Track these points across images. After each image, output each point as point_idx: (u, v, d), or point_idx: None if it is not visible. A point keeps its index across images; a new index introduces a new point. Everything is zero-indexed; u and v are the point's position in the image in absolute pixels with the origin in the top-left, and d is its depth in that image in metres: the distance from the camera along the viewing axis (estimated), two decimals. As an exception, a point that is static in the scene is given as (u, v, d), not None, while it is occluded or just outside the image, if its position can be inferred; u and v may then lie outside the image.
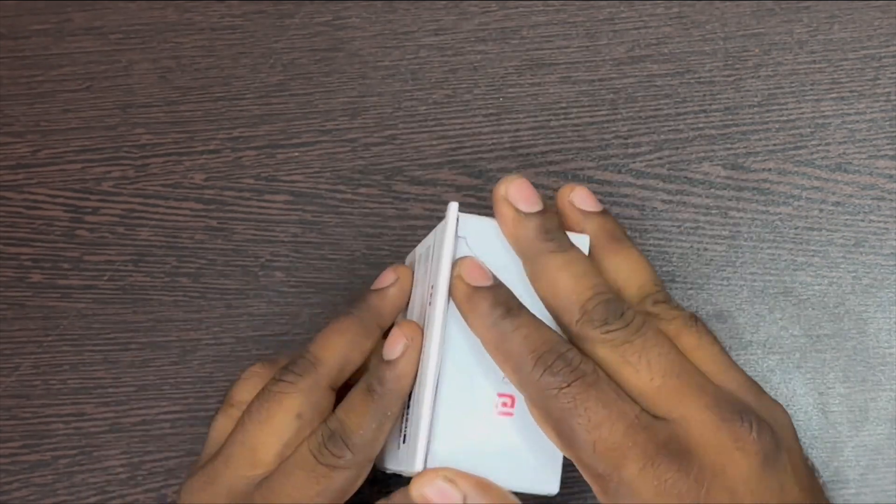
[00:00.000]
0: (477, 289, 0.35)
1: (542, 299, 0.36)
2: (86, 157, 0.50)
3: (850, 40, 0.49)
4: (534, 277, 0.36)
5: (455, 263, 0.36)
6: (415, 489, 0.34)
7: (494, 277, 0.36)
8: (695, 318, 0.37)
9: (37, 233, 0.50)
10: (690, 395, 0.33)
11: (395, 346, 0.37)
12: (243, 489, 0.38)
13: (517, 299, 0.35)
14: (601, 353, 0.34)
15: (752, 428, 0.32)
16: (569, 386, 0.32)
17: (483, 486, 0.34)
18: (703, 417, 0.32)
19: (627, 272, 0.38)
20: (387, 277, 0.41)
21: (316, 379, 0.39)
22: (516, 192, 0.36)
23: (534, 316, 0.35)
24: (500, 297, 0.35)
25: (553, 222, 0.36)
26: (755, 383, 0.36)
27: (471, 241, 0.36)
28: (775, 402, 0.36)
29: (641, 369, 0.33)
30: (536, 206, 0.36)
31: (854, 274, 0.47)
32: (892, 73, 0.48)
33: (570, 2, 0.50)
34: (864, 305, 0.47)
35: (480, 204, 0.48)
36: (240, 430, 0.39)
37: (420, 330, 0.37)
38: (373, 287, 0.41)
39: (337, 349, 0.39)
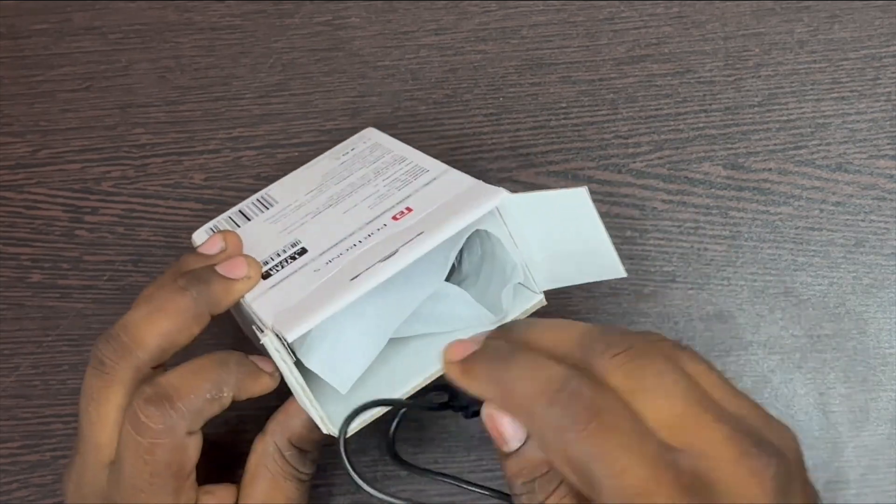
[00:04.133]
0: (465, 360, 0.34)
1: None
2: (85, 156, 0.50)
3: (851, 40, 0.49)
4: (529, 347, 0.33)
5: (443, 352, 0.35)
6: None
7: (479, 342, 0.34)
8: (682, 345, 0.34)
9: (36, 233, 0.50)
10: (710, 425, 0.30)
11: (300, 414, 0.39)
12: (97, 477, 0.38)
13: (509, 345, 0.33)
14: (615, 381, 0.31)
15: (768, 459, 0.30)
16: (586, 428, 0.29)
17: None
18: (723, 450, 0.30)
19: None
20: (215, 243, 0.39)
21: (136, 366, 0.38)
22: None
23: (534, 354, 0.32)
24: (491, 352, 0.33)
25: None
26: (760, 407, 0.34)
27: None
28: (782, 424, 0.33)
29: (660, 396, 0.30)
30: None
31: (854, 274, 0.47)
32: (893, 72, 0.48)
33: (570, 2, 0.50)
34: (864, 306, 0.47)
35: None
36: (82, 416, 0.38)
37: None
38: (201, 250, 0.39)
39: (163, 333, 0.38)
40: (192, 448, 0.37)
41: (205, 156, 0.50)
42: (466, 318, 0.40)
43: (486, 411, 0.33)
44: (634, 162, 0.48)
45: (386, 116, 0.50)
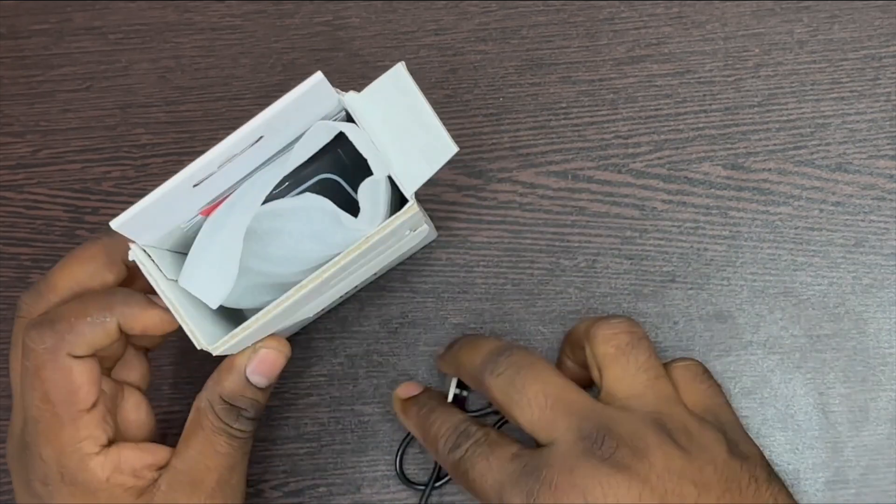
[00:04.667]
0: (405, 401, 0.44)
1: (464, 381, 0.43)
2: (86, 157, 0.50)
3: (851, 40, 0.49)
4: (455, 371, 0.44)
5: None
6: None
7: (422, 387, 0.45)
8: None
9: (37, 233, 0.50)
10: (561, 421, 0.38)
11: None
12: (16, 422, 0.40)
13: (438, 398, 0.44)
14: (497, 397, 0.40)
15: (604, 439, 0.37)
16: (465, 453, 0.40)
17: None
18: (566, 438, 0.38)
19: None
20: None
21: (47, 308, 0.40)
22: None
23: (450, 407, 0.43)
24: (423, 400, 0.43)
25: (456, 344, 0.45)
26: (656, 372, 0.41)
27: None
28: (631, 412, 0.39)
29: (524, 406, 0.39)
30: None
31: (854, 274, 0.47)
32: (893, 72, 0.48)
33: (570, 2, 0.50)
34: (864, 305, 0.47)
35: (480, 204, 0.49)
36: (10, 367, 0.41)
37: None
38: None
39: (73, 277, 0.40)
40: (80, 373, 0.38)
41: (205, 156, 0.50)
42: (329, 226, 0.39)
43: None
44: (634, 162, 0.48)
45: (386, 116, 0.50)
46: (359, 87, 0.50)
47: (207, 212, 0.39)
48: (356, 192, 0.40)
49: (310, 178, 0.42)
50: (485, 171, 0.49)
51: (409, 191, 0.39)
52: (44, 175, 0.50)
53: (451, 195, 0.49)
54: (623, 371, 0.40)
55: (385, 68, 0.50)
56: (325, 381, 0.48)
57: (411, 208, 0.39)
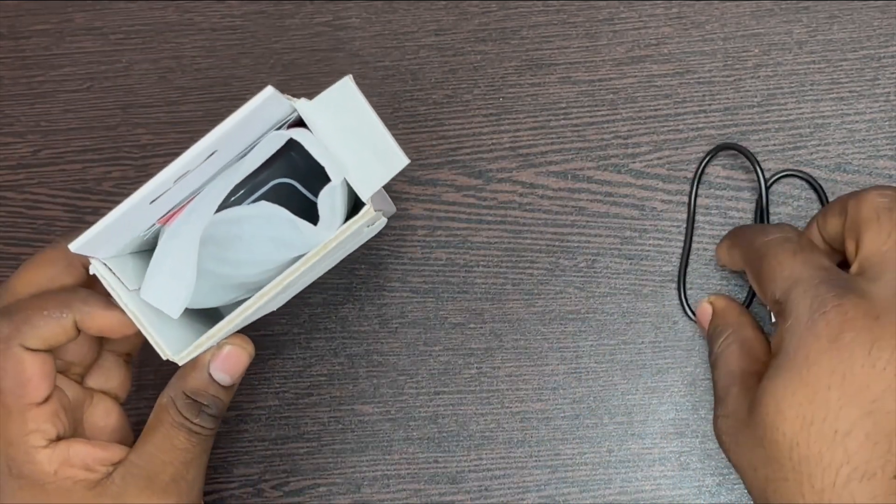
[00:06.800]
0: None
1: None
2: (86, 157, 0.50)
3: (850, 40, 0.49)
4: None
5: None
6: None
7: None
8: None
9: (37, 233, 0.50)
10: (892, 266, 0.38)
11: None
12: None
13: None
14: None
15: None
16: (773, 239, 0.40)
17: None
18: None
19: None
20: None
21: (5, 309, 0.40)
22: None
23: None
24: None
25: None
26: None
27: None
28: None
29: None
30: None
31: (853, 274, 0.47)
32: (892, 73, 0.48)
33: (570, 2, 0.50)
34: (863, 305, 0.47)
35: (480, 204, 0.49)
36: None
37: None
38: None
39: (31, 281, 0.40)
40: (31, 365, 0.38)
41: (205, 156, 0.50)
42: (287, 231, 0.39)
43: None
44: (634, 162, 0.49)
45: (386, 117, 0.50)
46: (359, 88, 0.50)
47: (165, 220, 0.40)
48: (311, 192, 0.40)
49: (265, 184, 0.42)
50: (485, 171, 0.49)
51: (365, 195, 0.39)
52: (44, 175, 0.50)
53: (451, 195, 0.49)
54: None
55: (385, 68, 0.50)
56: (325, 381, 0.48)
57: (368, 212, 0.39)
